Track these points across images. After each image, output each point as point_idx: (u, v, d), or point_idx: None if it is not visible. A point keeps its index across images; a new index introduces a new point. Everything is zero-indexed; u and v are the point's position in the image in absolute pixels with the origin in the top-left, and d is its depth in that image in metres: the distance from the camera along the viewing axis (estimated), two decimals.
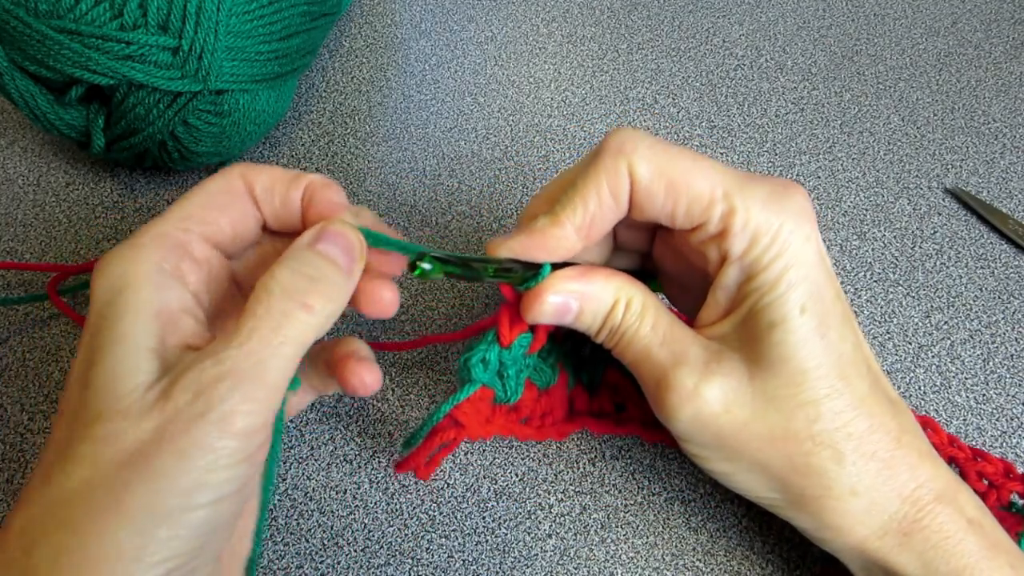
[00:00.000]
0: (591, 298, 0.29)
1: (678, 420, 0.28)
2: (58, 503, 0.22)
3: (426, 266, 0.27)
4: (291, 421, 0.38)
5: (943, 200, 0.48)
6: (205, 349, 0.24)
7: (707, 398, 0.27)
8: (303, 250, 0.27)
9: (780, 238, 0.27)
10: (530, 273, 0.29)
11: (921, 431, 0.29)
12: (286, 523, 0.35)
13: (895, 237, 0.46)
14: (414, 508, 0.36)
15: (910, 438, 0.28)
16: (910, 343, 0.42)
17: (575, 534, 0.35)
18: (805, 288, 0.27)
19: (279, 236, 0.31)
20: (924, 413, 0.39)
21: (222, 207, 0.29)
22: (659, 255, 0.33)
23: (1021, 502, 0.34)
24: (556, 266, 0.29)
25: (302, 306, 0.25)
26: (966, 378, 0.41)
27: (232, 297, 0.31)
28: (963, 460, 0.34)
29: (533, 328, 0.31)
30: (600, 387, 0.37)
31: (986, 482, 0.34)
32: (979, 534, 0.27)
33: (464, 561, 0.35)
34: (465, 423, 0.32)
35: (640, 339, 0.29)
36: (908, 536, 0.27)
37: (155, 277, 0.26)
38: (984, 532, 0.27)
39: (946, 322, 0.43)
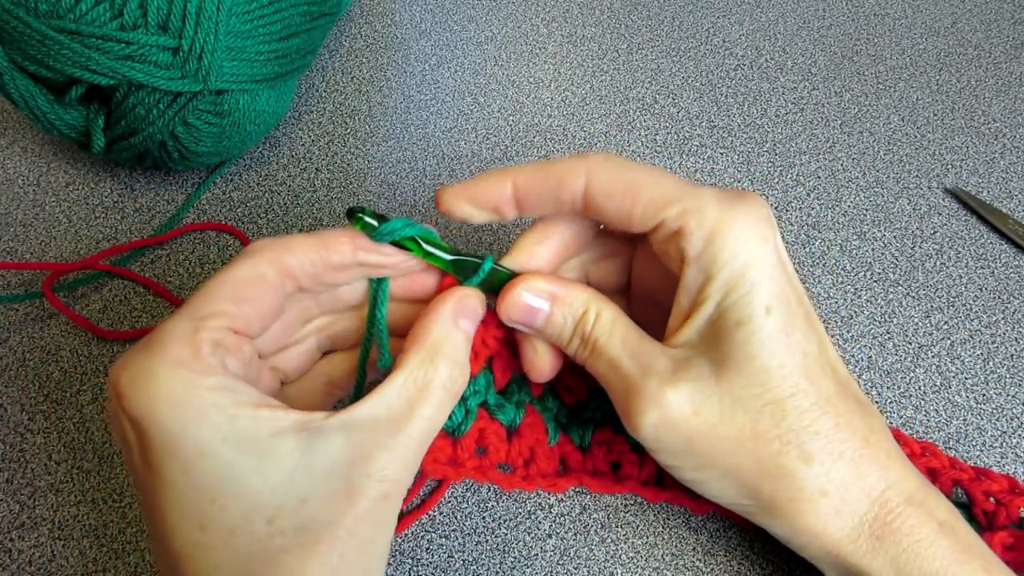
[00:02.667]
0: (563, 302, 0.30)
1: (647, 426, 0.28)
2: None
3: (370, 220, 0.29)
4: None
5: (943, 200, 0.48)
6: (372, 437, 0.26)
7: (674, 401, 0.27)
8: (452, 331, 0.29)
9: (736, 237, 0.27)
10: (470, 266, 0.30)
11: (890, 434, 0.29)
12: None
13: (895, 237, 0.46)
14: (414, 508, 0.36)
15: (878, 438, 0.28)
16: (910, 343, 0.42)
17: (575, 534, 0.35)
18: (769, 288, 0.27)
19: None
20: (924, 413, 0.39)
21: (253, 300, 0.27)
22: (637, 274, 0.34)
23: None
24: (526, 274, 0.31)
25: (454, 396, 0.28)
26: (966, 378, 0.41)
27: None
28: (967, 481, 0.34)
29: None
30: (591, 446, 0.36)
31: (993, 500, 0.34)
32: (951, 537, 0.27)
33: (464, 561, 0.35)
34: None
35: (610, 350, 0.29)
36: (880, 540, 0.27)
37: (223, 386, 0.25)
38: (956, 535, 0.27)
39: (946, 322, 0.43)
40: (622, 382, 0.29)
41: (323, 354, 0.33)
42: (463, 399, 0.33)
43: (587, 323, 0.30)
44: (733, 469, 0.28)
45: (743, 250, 0.27)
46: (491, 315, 0.32)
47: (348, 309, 0.32)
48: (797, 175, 0.48)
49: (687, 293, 0.28)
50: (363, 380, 0.32)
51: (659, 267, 0.31)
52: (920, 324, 0.43)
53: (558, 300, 0.30)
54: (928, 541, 0.27)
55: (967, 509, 0.34)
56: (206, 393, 0.24)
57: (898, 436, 0.35)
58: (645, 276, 0.33)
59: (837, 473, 0.27)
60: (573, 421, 0.36)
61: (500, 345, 0.34)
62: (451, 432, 0.33)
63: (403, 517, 0.35)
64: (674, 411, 0.27)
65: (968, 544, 0.27)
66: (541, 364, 0.32)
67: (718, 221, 0.27)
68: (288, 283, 0.28)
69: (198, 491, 0.24)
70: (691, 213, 0.27)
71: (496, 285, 0.31)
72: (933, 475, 0.34)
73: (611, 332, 0.29)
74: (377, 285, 0.31)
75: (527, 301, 0.30)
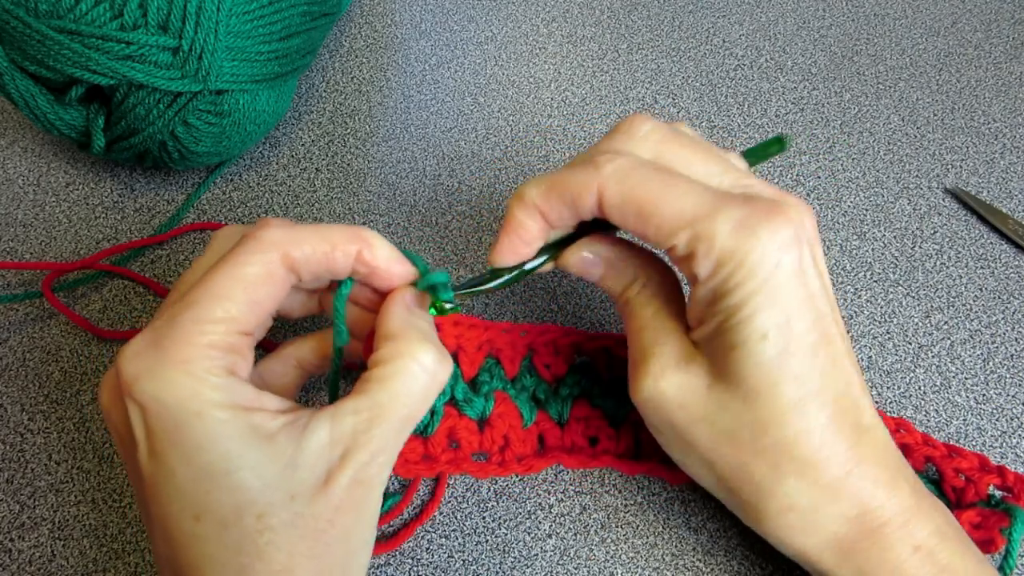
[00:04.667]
0: (614, 268, 0.31)
1: (639, 397, 0.30)
2: None
3: (447, 305, 0.31)
4: None
5: (943, 200, 0.48)
6: (352, 429, 0.27)
7: (665, 387, 0.29)
8: (420, 319, 0.30)
9: (747, 264, 0.26)
10: (517, 269, 0.31)
11: (891, 458, 0.29)
12: None
13: (895, 237, 0.46)
14: (414, 508, 0.36)
15: (865, 469, 0.28)
16: (910, 343, 0.42)
17: (575, 534, 0.35)
18: (770, 316, 0.27)
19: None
20: (924, 413, 0.39)
21: (263, 300, 0.28)
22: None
23: (999, 494, 0.34)
24: (591, 227, 0.32)
25: (440, 384, 0.29)
26: (966, 378, 0.41)
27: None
28: (939, 458, 0.35)
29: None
30: (570, 421, 0.37)
31: (963, 477, 0.34)
32: (927, 561, 0.27)
33: (464, 561, 0.35)
34: None
35: (641, 318, 0.31)
36: (848, 555, 0.28)
37: (226, 387, 0.26)
38: (933, 559, 0.28)
39: (946, 322, 0.43)
40: (639, 348, 0.30)
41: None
42: None
43: (632, 292, 0.31)
44: (709, 462, 0.29)
45: (751, 279, 0.27)
46: (441, 317, 0.33)
47: (312, 291, 0.33)
48: (797, 175, 0.48)
49: (697, 306, 0.29)
50: (338, 370, 0.32)
51: None
52: (920, 324, 0.43)
53: (611, 265, 0.31)
54: (898, 561, 0.27)
55: (937, 485, 0.35)
56: (209, 392, 0.25)
57: None
58: None
59: (808, 495, 0.28)
60: (551, 397, 0.37)
61: (462, 339, 0.35)
62: (420, 433, 0.34)
63: (401, 529, 0.35)
64: (665, 394, 0.29)
65: (944, 565, 0.28)
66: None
67: (730, 250, 0.26)
68: (292, 277, 0.29)
69: (195, 482, 0.25)
70: (701, 240, 0.27)
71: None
72: (906, 451, 0.35)
73: (648, 304, 0.31)
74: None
75: (586, 259, 0.32)
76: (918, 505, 0.29)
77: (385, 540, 0.34)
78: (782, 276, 0.27)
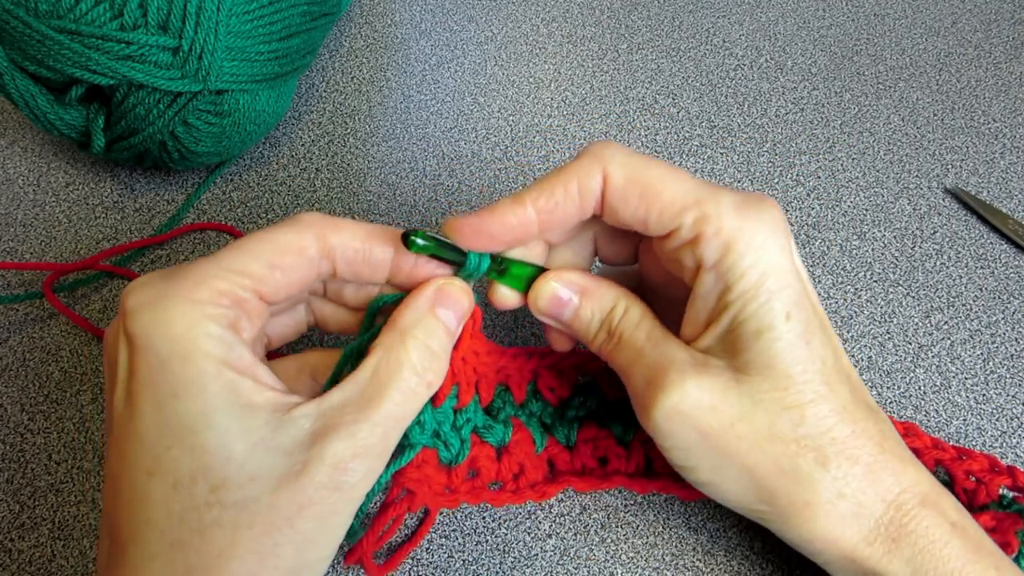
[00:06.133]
0: (592, 295, 0.30)
1: (662, 413, 0.27)
2: (200, 570, 0.22)
3: (420, 241, 0.27)
4: None
5: (943, 200, 0.48)
6: (334, 421, 0.25)
7: (694, 392, 0.27)
8: (427, 316, 0.28)
9: (755, 245, 0.27)
10: (476, 257, 0.29)
11: (900, 438, 0.30)
12: None
13: (895, 237, 0.46)
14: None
15: (892, 444, 0.28)
16: (910, 343, 0.42)
17: (575, 534, 0.35)
18: (788, 295, 0.27)
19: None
20: (924, 413, 0.39)
21: (287, 269, 0.26)
22: (644, 268, 0.33)
23: (1011, 495, 0.34)
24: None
25: (427, 385, 0.27)
26: (966, 378, 0.41)
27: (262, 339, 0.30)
28: (948, 461, 0.35)
29: (457, 381, 0.32)
30: (578, 444, 0.36)
31: (974, 479, 0.34)
32: (963, 537, 0.27)
33: (464, 561, 0.35)
34: (417, 490, 0.32)
35: (635, 342, 0.29)
36: (896, 542, 0.27)
37: (223, 339, 0.24)
38: (967, 535, 0.28)
39: (946, 322, 0.43)
40: (645, 370, 0.28)
41: (309, 327, 0.33)
42: (457, 428, 0.33)
43: (615, 317, 0.30)
44: (749, 468, 0.27)
45: (762, 259, 0.27)
46: (477, 338, 0.32)
47: (345, 304, 0.32)
48: (797, 175, 0.48)
49: (704, 301, 0.28)
50: (339, 373, 0.30)
51: (664, 265, 0.31)
52: (920, 324, 0.43)
53: (588, 293, 0.30)
54: (943, 542, 0.27)
55: (949, 488, 0.35)
56: (204, 338, 0.24)
57: None
58: (650, 270, 0.33)
59: (854, 477, 0.27)
60: (558, 421, 0.36)
61: (481, 367, 0.34)
62: (448, 463, 0.33)
63: (394, 552, 0.34)
64: (692, 401, 0.27)
65: (979, 543, 0.28)
66: (561, 343, 0.33)
67: (736, 230, 0.27)
68: (325, 264, 0.28)
69: (159, 432, 0.23)
70: (708, 220, 0.27)
71: (518, 280, 0.31)
72: (916, 455, 0.35)
73: (637, 326, 0.30)
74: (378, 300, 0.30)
75: (557, 293, 0.30)
76: (937, 482, 0.29)
77: (381, 561, 0.34)
78: (786, 259, 0.27)
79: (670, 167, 0.28)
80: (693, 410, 0.27)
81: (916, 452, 0.35)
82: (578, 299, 0.30)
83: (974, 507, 0.34)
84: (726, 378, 0.27)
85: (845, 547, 0.27)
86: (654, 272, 0.33)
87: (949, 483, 0.35)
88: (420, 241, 0.27)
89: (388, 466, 0.29)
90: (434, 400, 0.31)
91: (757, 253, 0.27)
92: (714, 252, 0.27)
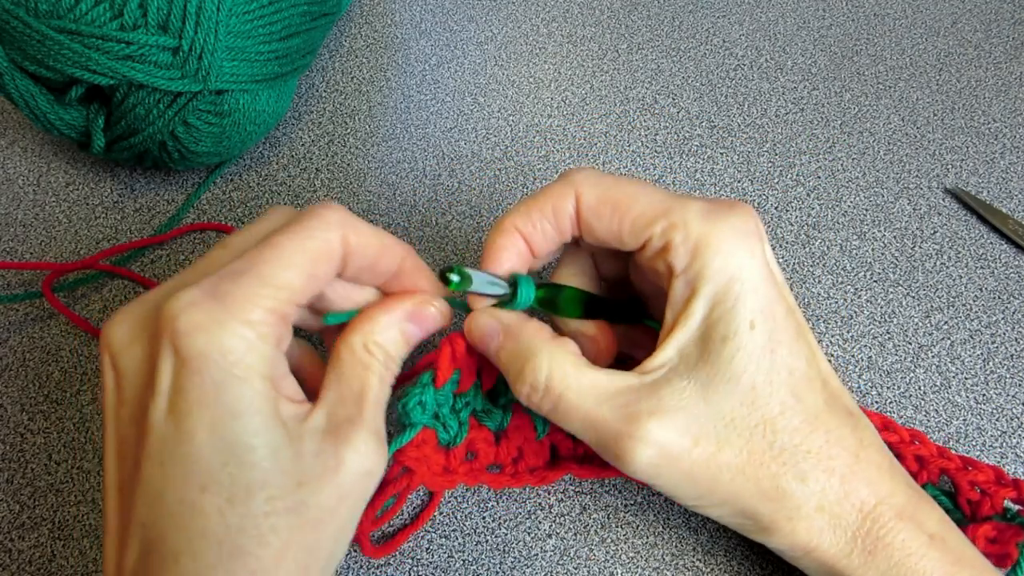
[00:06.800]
0: (513, 337, 0.29)
1: (644, 465, 0.27)
2: (260, 572, 0.24)
3: (455, 278, 0.27)
4: None
5: (943, 200, 0.48)
6: (340, 417, 0.27)
7: (671, 436, 0.26)
8: (389, 328, 0.29)
9: (722, 251, 0.27)
10: (508, 292, 0.30)
11: (883, 445, 0.29)
12: None
13: (895, 237, 0.46)
14: (414, 508, 0.36)
15: (869, 452, 0.28)
16: (910, 343, 0.42)
17: (575, 534, 0.35)
18: (753, 302, 0.27)
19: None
20: (924, 413, 0.39)
21: (320, 277, 0.27)
22: (636, 282, 0.34)
23: (1015, 508, 0.33)
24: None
25: (389, 382, 0.29)
26: (966, 378, 0.41)
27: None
28: (954, 470, 0.34)
29: (460, 366, 0.32)
30: None
31: (979, 490, 0.34)
32: (941, 549, 0.27)
33: (464, 561, 0.35)
34: (416, 468, 0.32)
35: (582, 403, 0.28)
36: (872, 555, 0.27)
37: (273, 358, 0.25)
38: (947, 547, 0.27)
39: (946, 322, 0.43)
40: (605, 431, 0.27)
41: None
42: (456, 411, 0.33)
43: (537, 370, 0.28)
44: (733, 496, 0.27)
45: (729, 263, 0.27)
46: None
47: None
48: (797, 175, 0.48)
49: (672, 307, 0.28)
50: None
51: (650, 281, 0.32)
52: (920, 324, 0.43)
53: (510, 335, 0.29)
54: (919, 555, 0.27)
55: (952, 498, 0.35)
56: (258, 360, 0.24)
57: (887, 424, 0.35)
58: (642, 285, 0.34)
59: (831, 489, 0.27)
60: None
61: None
62: (447, 444, 0.33)
63: (397, 533, 0.35)
64: (673, 446, 0.26)
65: (959, 555, 0.28)
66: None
67: (703, 235, 0.27)
68: (339, 264, 0.28)
69: (216, 450, 0.24)
70: (676, 228, 0.27)
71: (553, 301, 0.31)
72: (921, 463, 0.35)
73: (578, 379, 0.28)
74: None
75: (482, 325, 0.30)
76: (918, 492, 0.29)
77: (383, 543, 0.34)
78: (756, 264, 0.27)
79: (640, 182, 0.29)
80: (677, 453, 0.27)
81: (922, 460, 0.35)
82: (500, 338, 0.30)
83: (977, 518, 0.34)
84: (694, 401, 0.27)
85: (823, 558, 0.28)
86: (645, 285, 0.33)
87: (953, 494, 0.34)
88: (455, 278, 0.26)
89: (390, 444, 0.30)
90: (435, 382, 0.31)
91: (725, 258, 0.27)
92: (683, 258, 0.27)
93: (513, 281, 0.30)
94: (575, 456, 0.36)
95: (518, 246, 0.30)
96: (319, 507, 0.25)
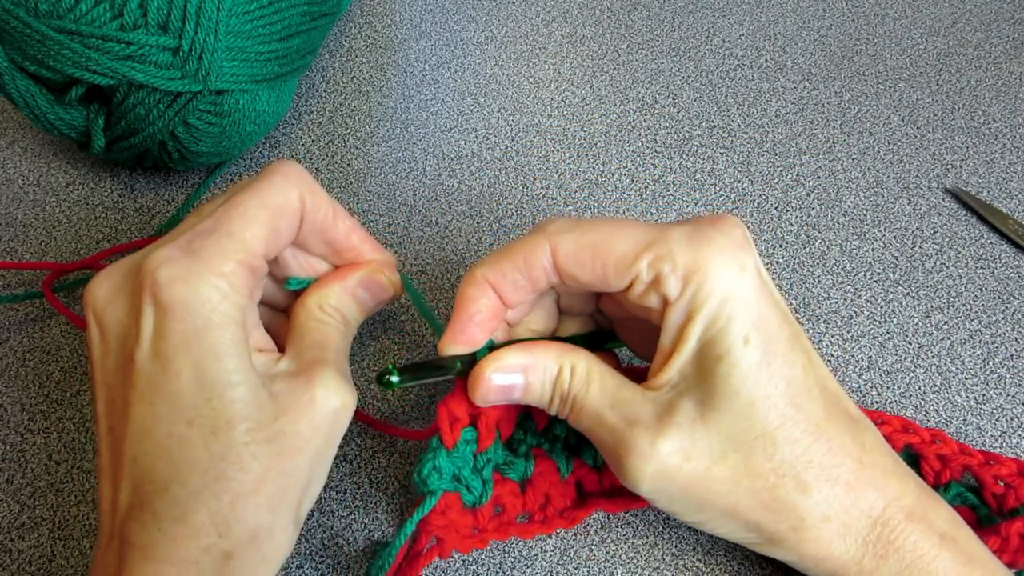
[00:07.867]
0: (535, 368, 0.30)
1: (642, 480, 0.27)
2: (242, 496, 0.26)
3: (393, 379, 0.30)
4: None
5: (943, 200, 0.48)
6: (311, 358, 0.30)
7: (666, 451, 0.27)
8: (349, 291, 0.33)
9: (711, 274, 0.27)
10: (467, 357, 0.30)
11: (886, 446, 0.29)
12: None
13: (895, 237, 0.46)
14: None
15: (874, 457, 0.28)
16: (910, 343, 0.42)
17: (575, 534, 0.35)
18: (745, 318, 0.27)
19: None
20: (924, 413, 0.39)
21: (283, 232, 0.30)
22: (607, 310, 0.33)
23: None
24: (496, 347, 0.31)
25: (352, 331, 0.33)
26: (966, 378, 0.41)
27: None
28: (976, 466, 0.34)
29: (475, 424, 0.31)
30: (605, 464, 0.34)
31: (1002, 483, 0.34)
32: (953, 550, 0.27)
33: (464, 561, 0.35)
34: (444, 537, 0.31)
35: (591, 403, 0.29)
36: (884, 559, 0.27)
37: (245, 307, 0.28)
38: (958, 546, 0.27)
39: (946, 322, 0.43)
40: (610, 436, 0.28)
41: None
42: (478, 470, 0.33)
43: (564, 381, 0.30)
44: (732, 509, 0.28)
45: (719, 285, 0.27)
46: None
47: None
48: (797, 175, 0.48)
49: (669, 334, 0.28)
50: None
51: (627, 310, 0.31)
52: (920, 324, 0.43)
53: (530, 369, 0.30)
54: (931, 556, 0.27)
55: (977, 493, 0.35)
56: (233, 308, 0.27)
57: (908, 426, 0.35)
58: (614, 310, 0.33)
59: (836, 498, 0.27)
60: (583, 442, 0.35)
61: (502, 408, 0.33)
62: (472, 505, 0.33)
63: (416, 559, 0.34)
64: (667, 462, 0.27)
65: (970, 553, 0.28)
66: None
67: (691, 262, 0.27)
68: (298, 219, 0.30)
69: (200, 387, 0.26)
70: (663, 259, 0.27)
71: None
72: (943, 461, 0.35)
73: (588, 383, 0.29)
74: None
75: (499, 383, 0.30)
76: (927, 492, 0.29)
77: None
78: (747, 279, 0.27)
79: (614, 221, 0.29)
80: (668, 469, 0.27)
81: (943, 459, 0.35)
82: (523, 377, 0.30)
83: (1004, 512, 0.34)
84: (693, 419, 0.27)
85: (834, 566, 0.28)
86: (618, 312, 0.33)
87: (978, 489, 0.35)
88: (395, 379, 0.30)
89: (411, 516, 0.30)
90: (444, 443, 0.31)
91: (714, 281, 0.27)
92: (674, 288, 0.27)
93: (471, 359, 0.30)
94: (602, 490, 0.35)
95: (488, 296, 0.29)
96: (295, 435, 0.27)
